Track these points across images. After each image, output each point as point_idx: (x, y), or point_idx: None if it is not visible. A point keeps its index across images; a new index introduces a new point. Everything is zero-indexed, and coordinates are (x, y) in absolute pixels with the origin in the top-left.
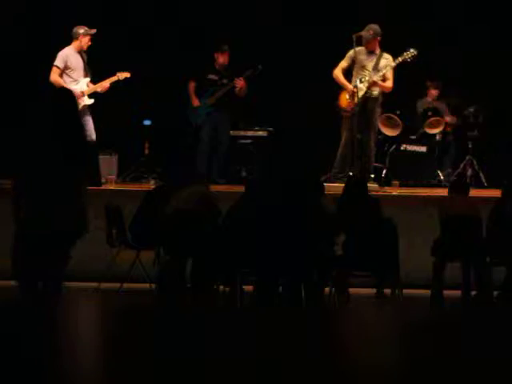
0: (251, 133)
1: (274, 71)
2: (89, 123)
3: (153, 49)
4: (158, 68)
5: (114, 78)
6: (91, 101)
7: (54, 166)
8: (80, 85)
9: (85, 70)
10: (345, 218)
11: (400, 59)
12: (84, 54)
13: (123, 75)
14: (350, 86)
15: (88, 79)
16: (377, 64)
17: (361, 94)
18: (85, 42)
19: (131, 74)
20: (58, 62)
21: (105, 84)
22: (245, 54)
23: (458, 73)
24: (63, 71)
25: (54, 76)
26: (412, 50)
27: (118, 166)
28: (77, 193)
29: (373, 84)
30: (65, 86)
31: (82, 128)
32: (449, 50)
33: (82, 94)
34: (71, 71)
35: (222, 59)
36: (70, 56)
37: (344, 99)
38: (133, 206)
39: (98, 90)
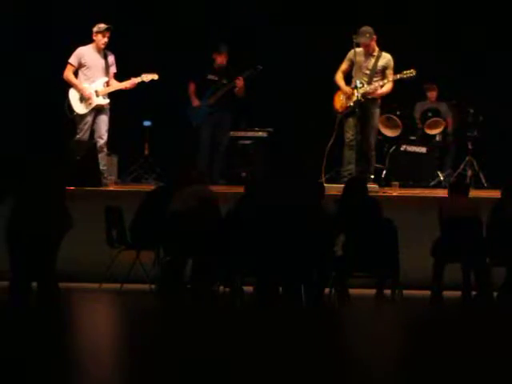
0: (251, 133)
1: (274, 71)
2: (101, 123)
3: (153, 49)
4: (157, 68)
5: (137, 80)
6: (106, 101)
7: (41, 167)
8: (95, 84)
9: (105, 69)
10: (345, 218)
11: (398, 76)
12: (108, 53)
13: (149, 77)
14: (346, 88)
15: (106, 79)
16: (375, 65)
17: (355, 97)
18: (99, 39)
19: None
20: (72, 59)
21: (126, 84)
22: (245, 54)
23: (456, 74)
24: (78, 69)
25: (67, 73)
26: (411, 71)
27: (118, 166)
28: (62, 193)
29: (371, 93)
30: (75, 83)
31: (67, 131)
32: (447, 50)
33: (96, 93)
34: (86, 69)
35: (220, 60)
36: (85, 54)
37: (338, 100)
38: (133, 207)
39: (122, 87)
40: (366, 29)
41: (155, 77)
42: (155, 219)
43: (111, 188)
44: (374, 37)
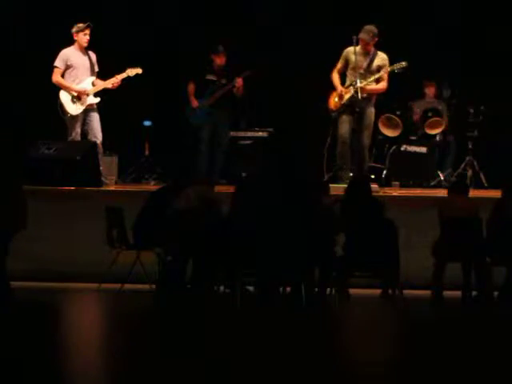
0: (251, 133)
1: (274, 71)
2: (93, 123)
3: (153, 48)
4: (158, 68)
5: (123, 75)
6: (97, 99)
7: None
8: (84, 84)
9: (90, 68)
10: (347, 218)
11: (389, 69)
12: (90, 53)
13: (134, 71)
14: (339, 88)
15: (93, 78)
16: (370, 64)
17: (347, 96)
18: (80, 38)
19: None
20: (58, 62)
21: (112, 81)
22: (245, 54)
23: (456, 73)
24: (65, 70)
25: (56, 77)
26: (402, 63)
27: (119, 166)
28: (13, 191)
29: (362, 90)
30: (68, 85)
31: (20, 127)
32: (447, 50)
33: (86, 93)
34: (72, 70)
35: (218, 60)
36: (71, 55)
37: (332, 100)
38: (133, 207)
39: (109, 86)
40: (371, 28)
41: (139, 71)
42: (158, 219)
43: (111, 188)
44: (376, 38)
